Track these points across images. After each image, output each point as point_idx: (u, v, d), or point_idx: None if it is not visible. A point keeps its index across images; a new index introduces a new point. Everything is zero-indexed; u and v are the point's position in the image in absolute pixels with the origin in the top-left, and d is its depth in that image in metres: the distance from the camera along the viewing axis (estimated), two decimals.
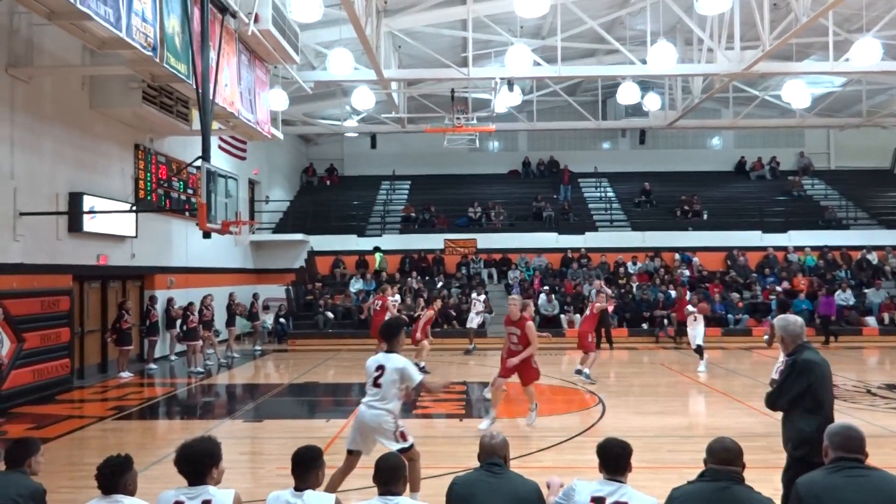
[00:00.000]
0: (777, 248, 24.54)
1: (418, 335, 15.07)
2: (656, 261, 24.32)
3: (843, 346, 19.38)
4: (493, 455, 3.96)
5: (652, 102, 22.35)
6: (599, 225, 26.84)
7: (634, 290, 22.45)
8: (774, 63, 17.82)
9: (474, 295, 19.64)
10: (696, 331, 15.04)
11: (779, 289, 22.16)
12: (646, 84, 23.14)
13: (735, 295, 21.85)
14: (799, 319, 5.25)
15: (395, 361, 5.85)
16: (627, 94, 19.96)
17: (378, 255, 24.37)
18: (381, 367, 5.88)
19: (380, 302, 15.88)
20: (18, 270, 11.91)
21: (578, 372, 13.34)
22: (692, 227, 25.70)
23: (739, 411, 10.68)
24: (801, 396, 4.88)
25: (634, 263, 24.18)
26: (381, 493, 3.61)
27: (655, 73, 18.16)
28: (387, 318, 14.96)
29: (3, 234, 11.62)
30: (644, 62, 17.30)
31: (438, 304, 17.70)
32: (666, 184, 29.03)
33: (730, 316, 21.23)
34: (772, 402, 5.17)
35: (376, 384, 5.86)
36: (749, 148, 31.23)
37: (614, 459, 3.82)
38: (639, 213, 27.41)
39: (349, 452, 6.04)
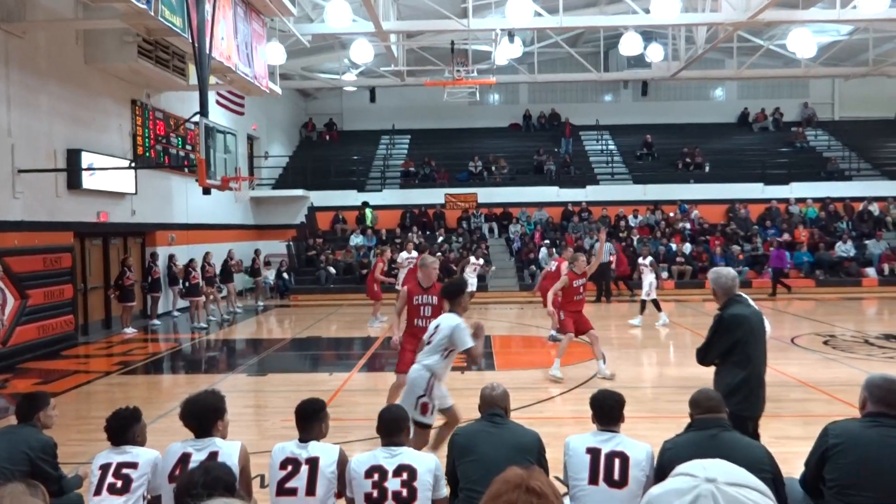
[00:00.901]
0: (779, 201, 24.47)
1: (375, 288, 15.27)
2: (657, 214, 24.28)
3: (843, 297, 19.48)
4: (493, 406, 4.03)
5: (655, 53, 22.01)
6: (601, 178, 26.72)
7: (635, 243, 22.46)
8: (780, 11, 17.51)
9: (472, 259, 18.87)
10: (647, 282, 14.95)
11: (779, 240, 22.16)
12: (649, 34, 22.75)
13: (736, 247, 21.85)
14: (731, 272, 5.17)
15: (449, 322, 5.70)
16: (630, 45, 19.64)
17: (367, 211, 24.28)
18: (437, 327, 5.77)
19: (380, 265, 15.21)
20: (19, 228, 11.93)
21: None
22: (694, 179, 25.58)
23: None
24: (729, 350, 4.87)
25: (635, 217, 24.14)
26: (385, 444, 3.68)
27: (659, 22, 17.85)
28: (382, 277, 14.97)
29: (2, 192, 11.60)
30: (647, 11, 17.01)
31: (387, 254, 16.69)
32: (668, 136, 28.79)
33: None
34: (701, 357, 5.14)
35: (429, 341, 5.76)
36: (752, 99, 30.87)
37: (608, 411, 3.90)
38: (640, 166, 27.25)
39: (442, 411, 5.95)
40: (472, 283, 18.06)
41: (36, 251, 12.25)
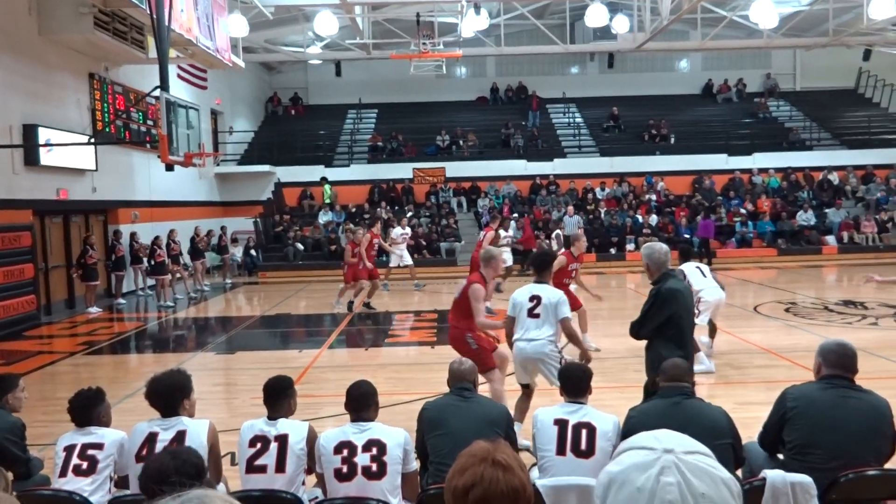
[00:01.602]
0: (742, 171, 24.82)
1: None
2: (624, 186, 24.48)
3: (804, 265, 19.93)
4: (462, 380, 4.06)
5: (620, 25, 21.98)
6: (568, 151, 26.81)
7: (603, 215, 22.66)
8: None
9: (503, 233, 15.92)
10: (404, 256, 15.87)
11: (743, 211, 22.54)
12: (614, 6, 22.74)
13: (698, 218, 22.16)
14: (664, 247, 5.19)
15: (553, 293, 5.72)
16: (596, 17, 19.64)
17: (326, 187, 24.07)
18: (535, 297, 5.67)
19: (350, 248, 13.61)
20: None
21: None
22: (660, 151, 25.81)
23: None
24: (664, 325, 4.92)
25: (602, 189, 24.32)
26: (354, 420, 3.68)
27: None
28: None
29: None
30: None
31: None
32: (634, 108, 28.92)
33: (694, 239, 21.61)
34: (635, 331, 5.18)
35: (533, 314, 5.64)
36: (716, 70, 31.11)
37: (575, 383, 3.96)
38: (607, 139, 27.39)
39: (524, 386, 5.94)
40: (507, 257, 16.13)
41: None
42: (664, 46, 25.65)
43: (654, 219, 22.33)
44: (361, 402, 3.70)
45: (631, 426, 3.62)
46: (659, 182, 24.54)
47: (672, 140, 26.55)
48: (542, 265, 6.05)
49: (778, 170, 24.87)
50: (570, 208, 20.59)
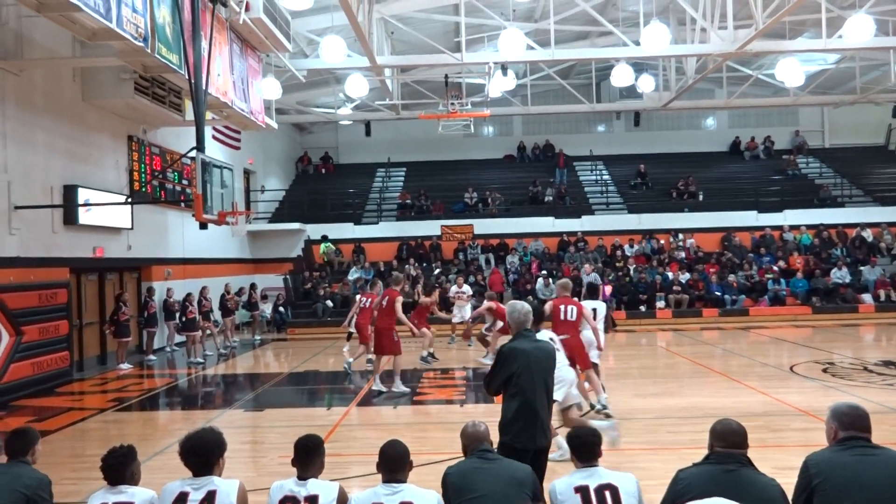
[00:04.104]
0: (773, 228, 24.59)
1: (416, 322, 14.67)
2: (653, 242, 24.38)
3: (840, 324, 19.48)
4: (482, 441, 3.99)
5: (646, 84, 22.30)
6: (595, 208, 26.86)
7: (631, 272, 22.50)
8: (767, 42, 17.80)
9: (457, 288, 17.81)
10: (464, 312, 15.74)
11: (775, 268, 22.23)
12: (640, 65, 23.10)
13: (731, 276, 21.90)
14: (525, 307, 5.21)
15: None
16: (621, 77, 19.93)
17: (324, 245, 24.26)
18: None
19: (367, 300, 12.75)
20: (15, 264, 11.89)
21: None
22: (688, 208, 25.74)
23: (737, 391, 10.76)
24: (506, 382, 4.92)
25: (631, 246, 24.23)
26: (386, 481, 3.63)
27: (649, 54, 18.15)
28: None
29: None
30: (637, 44, 17.25)
31: (437, 294, 17.03)
32: (661, 165, 29.01)
33: (726, 296, 21.31)
34: (486, 385, 5.20)
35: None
36: (743, 128, 31.20)
37: (590, 448, 3.89)
38: (635, 196, 27.42)
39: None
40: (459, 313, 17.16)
41: (31, 287, 12.20)
42: (690, 105, 25.91)
43: (685, 276, 22.09)
44: (396, 462, 3.64)
45: (680, 489, 3.51)
46: (688, 239, 24.39)
47: (700, 197, 26.49)
48: (540, 318, 7.21)
49: (809, 227, 24.60)
50: (587, 266, 20.53)
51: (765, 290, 21.52)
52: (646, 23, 16.44)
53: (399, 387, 11.21)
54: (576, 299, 9.49)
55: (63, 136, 13.43)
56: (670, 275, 22.12)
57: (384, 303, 11.28)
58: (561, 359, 6.82)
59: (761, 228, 24.58)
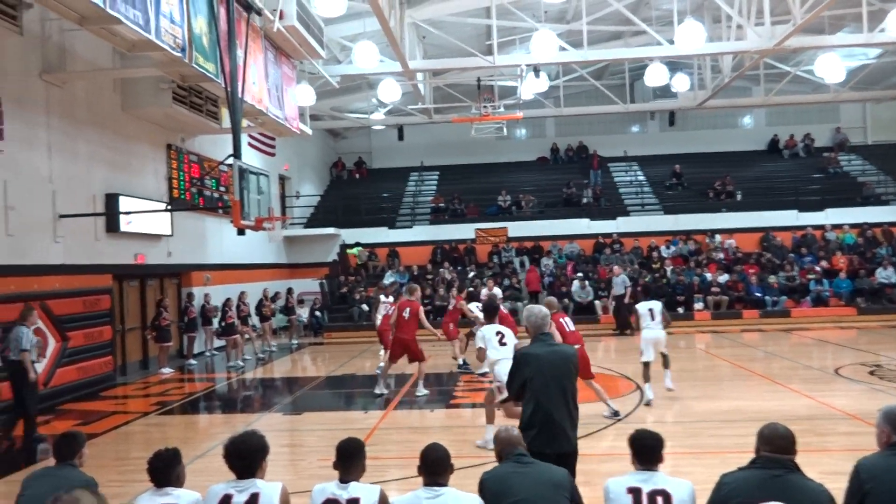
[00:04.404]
0: (815, 227, 24.06)
1: (451, 327, 14.50)
2: (690, 244, 24.05)
3: (887, 325, 18.96)
4: (516, 446, 3.96)
5: (681, 83, 22.03)
6: (631, 209, 26.59)
7: (668, 273, 22.21)
8: (806, 37, 17.43)
9: (488, 290, 16.86)
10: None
11: (817, 268, 21.75)
12: (674, 64, 22.81)
13: (772, 277, 21.47)
14: (543, 310, 5.17)
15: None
16: (655, 76, 19.71)
17: (356, 250, 24.34)
18: (500, 333, 7.85)
19: (407, 309, 11.44)
20: (60, 271, 12.20)
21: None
22: (726, 208, 25.33)
23: (781, 394, 10.55)
24: (522, 387, 4.90)
25: (668, 247, 23.93)
26: (427, 484, 3.62)
27: (684, 53, 17.89)
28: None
29: (44, 237, 11.91)
30: (672, 42, 17.04)
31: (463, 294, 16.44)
32: (697, 165, 28.63)
33: (767, 298, 20.91)
34: (508, 391, 5.19)
35: (503, 343, 7.73)
36: (782, 125, 30.61)
37: (650, 451, 3.80)
38: (670, 197, 27.08)
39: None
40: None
41: (76, 293, 12.50)
42: (726, 103, 25.51)
43: (724, 277, 21.73)
44: (438, 465, 3.63)
45: (723, 494, 3.44)
46: (727, 239, 24.00)
47: (738, 197, 26.05)
48: (492, 312, 8.37)
49: (853, 225, 23.99)
50: (616, 268, 20.28)
51: (807, 291, 21.06)
52: (680, 21, 16.24)
53: (421, 390, 11.39)
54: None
55: (104, 146, 13.75)
56: (708, 276, 21.77)
57: (406, 314, 11.24)
58: (508, 352, 7.53)
59: (802, 228, 24.07)
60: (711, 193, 26.42)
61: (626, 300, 19.06)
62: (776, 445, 3.49)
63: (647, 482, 3.67)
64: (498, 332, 7.86)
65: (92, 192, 13.30)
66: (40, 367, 10.51)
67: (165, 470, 3.68)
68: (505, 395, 7.17)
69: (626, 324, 19.02)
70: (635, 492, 3.64)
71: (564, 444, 4.80)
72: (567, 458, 4.76)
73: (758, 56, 18.37)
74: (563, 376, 4.89)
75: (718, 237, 24.13)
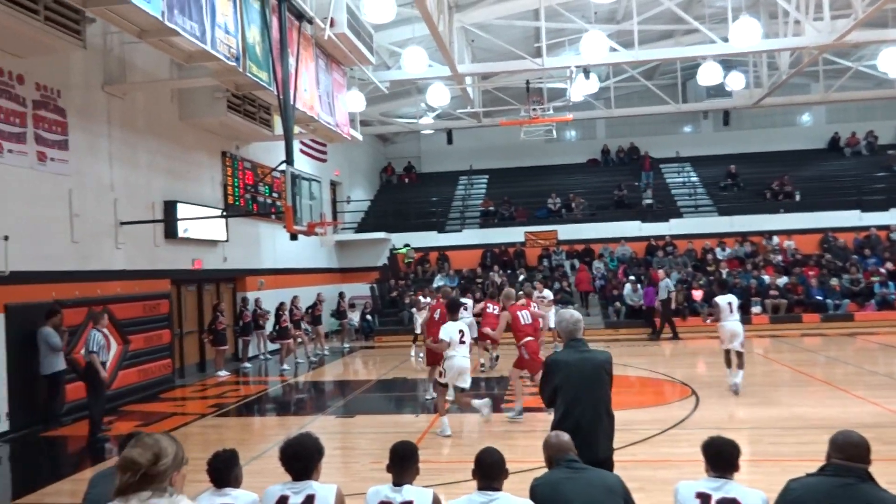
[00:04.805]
0: (879, 228, 23.18)
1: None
2: (746, 245, 23.46)
3: None
4: (566, 452, 3.90)
5: (735, 81, 21.51)
6: (684, 211, 26.09)
7: (724, 276, 21.69)
8: (868, 31, 16.83)
9: (538, 293, 16.54)
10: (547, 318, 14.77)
11: (882, 270, 20.95)
12: (728, 63, 22.29)
13: (833, 279, 20.78)
14: (574, 315, 5.04)
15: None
16: (709, 75, 19.30)
17: (404, 249, 24.33)
18: (461, 331, 8.96)
19: (438, 311, 11.63)
20: (121, 277, 12.60)
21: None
22: (784, 209, 24.62)
23: (843, 400, 10.19)
24: (554, 392, 4.83)
25: (723, 249, 23.38)
26: (481, 488, 3.61)
27: (739, 50, 17.43)
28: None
29: (106, 243, 12.32)
30: (726, 40, 16.67)
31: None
32: (753, 165, 27.93)
33: (829, 301, 20.24)
34: (541, 398, 5.10)
35: (462, 341, 8.96)
36: (843, 123, 29.60)
37: (726, 458, 3.68)
38: (725, 198, 26.48)
39: (444, 385, 9.18)
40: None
41: (136, 298, 12.89)
42: (784, 101, 24.81)
43: (782, 279, 21.12)
44: (493, 469, 3.62)
45: (792, 500, 3.33)
46: (786, 241, 23.32)
47: (797, 197, 25.29)
48: (454, 309, 9.47)
49: None
50: (660, 272, 19.83)
51: (871, 294, 20.30)
52: (734, 18, 15.87)
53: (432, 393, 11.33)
54: (521, 303, 10.76)
55: (163, 155, 14.15)
56: (766, 279, 21.19)
57: (436, 316, 11.16)
58: (464, 350, 9.01)
59: (865, 228, 23.23)
60: (768, 194, 25.73)
61: (673, 305, 18.72)
62: (849, 453, 3.36)
63: (719, 490, 3.58)
64: (460, 331, 8.99)
65: (151, 199, 13.70)
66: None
67: (224, 470, 3.76)
68: (445, 379, 9.06)
69: (672, 329, 18.66)
70: (704, 497, 3.56)
71: (595, 451, 4.69)
72: (599, 465, 4.70)
73: (817, 52, 17.83)
74: (594, 383, 4.81)
75: (776, 239, 23.49)
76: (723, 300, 11.37)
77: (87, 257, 11.79)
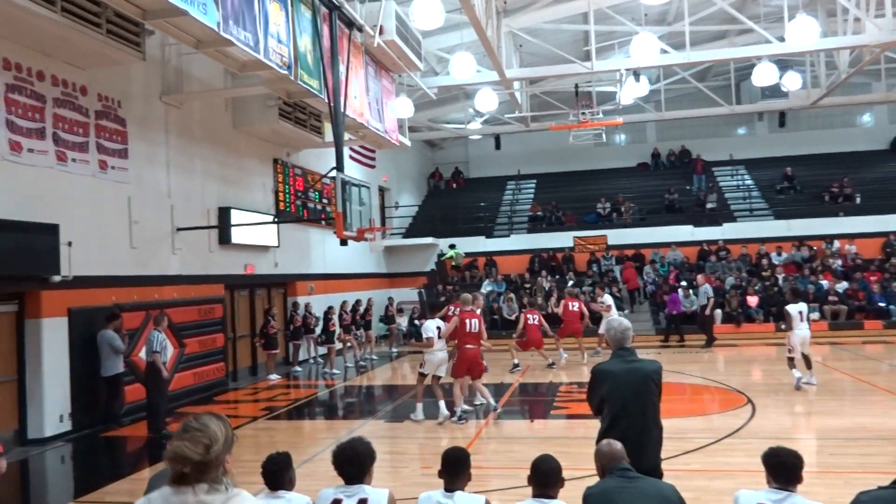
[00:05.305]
0: None
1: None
2: (803, 250, 22.78)
3: None
4: (619, 460, 3.83)
5: (792, 82, 20.94)
6: (738, 215, 25.49)
7: (780, 281, 21.12)
8: None
9: (600, 299, 17.27)
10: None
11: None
12: (784, 63, 21.72)
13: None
14: (623, 323, 4.90)
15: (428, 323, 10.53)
16: (764, 75, 18.84)
17: (453, 252, 24.27)
18: (438, 327, 10.37)
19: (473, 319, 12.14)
20: (177, 281, 12.92)
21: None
22: (843, 212, 23.83)
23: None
24: (602, 401, 4.74)
25: (779, 254, 22.76)
26: (536, 496, 3.58)
27: (795, 50, 16.96)
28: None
29: (163, 249, 12.66)
30: (782, 39, 16.24)
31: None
32: (811, 168, 27.14)
33: (892, 307, 19.49)
34: (590, 406, 5.00)
35: (439, 337, 10.33)
36: None
37: (789, 469, 3.58)
38: (781, 201, 25.78)
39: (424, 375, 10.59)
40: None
41: (192, 303, 13.20)
42: (843, 101, 24.05)
43: (842, 285, 20.44)
44: (549, 477, 3.59)
45: None
46: (847, 245, 22.57)
47: (858, 200, 24.47)
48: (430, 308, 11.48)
49: None
50: (700, 277, 19.34)
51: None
52: (791, 17, 15.46)
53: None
54: (478, 311, 10.84)
55: (217, 162, 14.48)
56: (825, 284, 20.54)
57: (473, 328, 10.55)
58: (442, 344, 10.41)
59: None
60: (827, 197, 24.95)
61: (708, 312, 18.28)
62: None
63: (782, 503, 3.48)
64: (437, 327, 10.36)
65: (206, 206, 14.02)
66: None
67: (279, 473, 3.80)
68: (426, 370, 10.46)
69: (710, 337, 18.23)
70: None
71: (641, 462, 4.58)
72: (648, 474, 4.63)
73: (878, 50, 17.20)
74: (642, 393, 4.71)
75: (837, 243, 22.75)
76: (794, 309, 11.54)
77: (145, 262, 12.13)
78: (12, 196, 9.45)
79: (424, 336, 10.35)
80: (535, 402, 12.39)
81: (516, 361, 15.14)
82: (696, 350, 17.48)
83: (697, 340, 18.62)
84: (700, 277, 19.27)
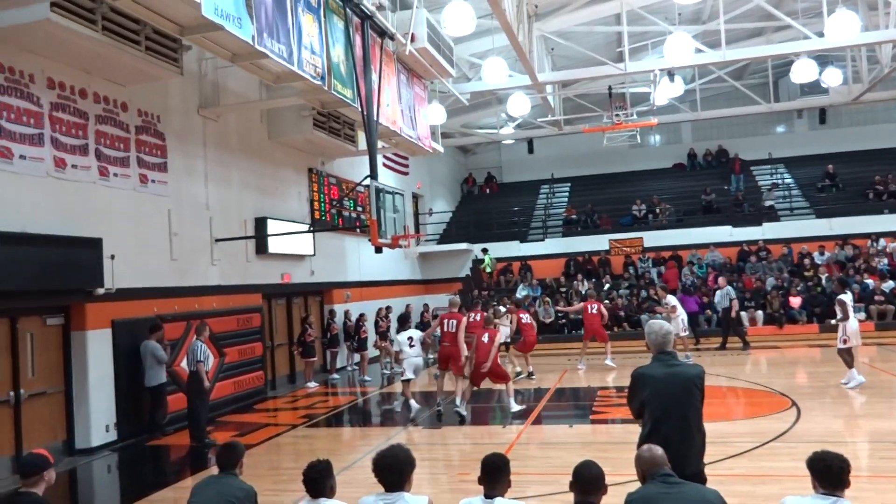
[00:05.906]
0: None
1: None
2: (847, 249, 22.23)
3: None
4: (661, 466, 3.77)
5: (832, 78, 20.47)
6: (778, 214, 24.99)
7: (823, 281, 20.63)
8: None
9: (665, 302, 16.65)
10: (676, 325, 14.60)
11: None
12: (824, 58, 21.26)
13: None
14: (664, 327, 4.80)
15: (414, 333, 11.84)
16: (803, 72, 18.45)
17: (487, 257, 24.15)
18: (410, 338, 11.58)
19: (512, 317, 14.89)
20: (217, 292, 13.12)
21: None
22: (888, 209, 23.20)
23: None
24: (642, 406, 4.67)
25: (822, 253, 22.24)
26: (578, 502, 3.55)
27: (835, 45, 16.60)
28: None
29: (202, 260, 12.87)
30: (821, 35, 15.91)
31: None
32: (853, 165, 26.49)
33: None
34: (630, 410, 4.95)
35: (411, 346, 11.58)
36: None
37: (836, 474, 3.50)
38: (823, 199, 25.21)
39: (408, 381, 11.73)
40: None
41: (230, 312, 13.39)
42: (886, 96, 23.48)
43: (888, 284, 19.89)
44: (591, 484, 3.55)
45: None
46: (891, 243, 21.96)
47: None
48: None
49: None
50: (721, 279, 18.91)
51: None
52: (830, 11, 15.14)
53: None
54: (502, 327, 12.06)
55: (253, 173, 14.69)
56: (870, 283, 20.01)
57: (450, 328, 11.32)
58: (417, 350, 11.71)
59: None
60: (871, 194, 24.33)
61: (733, 314, 17.89)
62: None
63: None
64: (409, 338, 11.60)
65: (243, 216, 14.23)
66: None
67: (320, 480, 3.83)
68: (409, 375, 11.68)
69: (723, 338, 17.88)
70: None
71: (684, 467, 4.48)
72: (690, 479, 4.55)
73: None
74: (683, 398, 4.64)
75: (883, 241, 22.15)
76: (848, 297, 11.52)
77: (185, 273, 12.35)
78: (57, 211, 9.71)
79: (394, 349, 11.55)
80: (574, 406, 12.29)
81: (518, 369, 15.03)
82: (737, 353, 17.14)
83: (714, 343, 18.20)
84: (721, 280, 18.92)
